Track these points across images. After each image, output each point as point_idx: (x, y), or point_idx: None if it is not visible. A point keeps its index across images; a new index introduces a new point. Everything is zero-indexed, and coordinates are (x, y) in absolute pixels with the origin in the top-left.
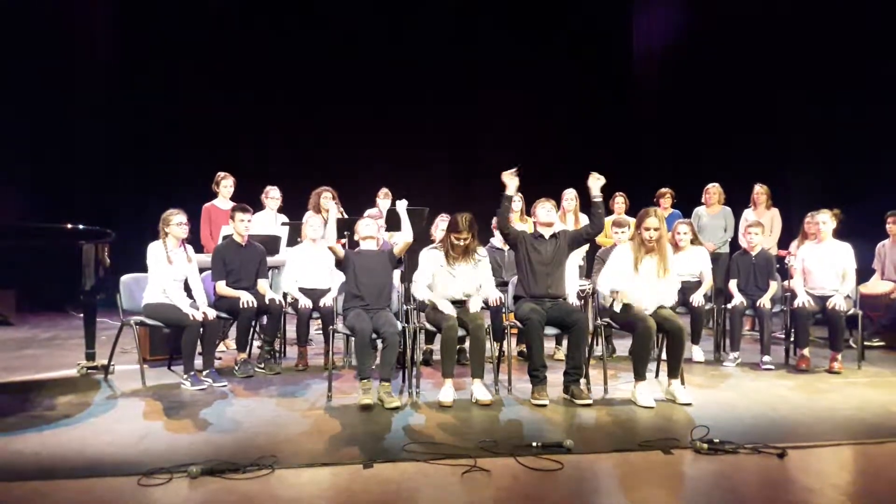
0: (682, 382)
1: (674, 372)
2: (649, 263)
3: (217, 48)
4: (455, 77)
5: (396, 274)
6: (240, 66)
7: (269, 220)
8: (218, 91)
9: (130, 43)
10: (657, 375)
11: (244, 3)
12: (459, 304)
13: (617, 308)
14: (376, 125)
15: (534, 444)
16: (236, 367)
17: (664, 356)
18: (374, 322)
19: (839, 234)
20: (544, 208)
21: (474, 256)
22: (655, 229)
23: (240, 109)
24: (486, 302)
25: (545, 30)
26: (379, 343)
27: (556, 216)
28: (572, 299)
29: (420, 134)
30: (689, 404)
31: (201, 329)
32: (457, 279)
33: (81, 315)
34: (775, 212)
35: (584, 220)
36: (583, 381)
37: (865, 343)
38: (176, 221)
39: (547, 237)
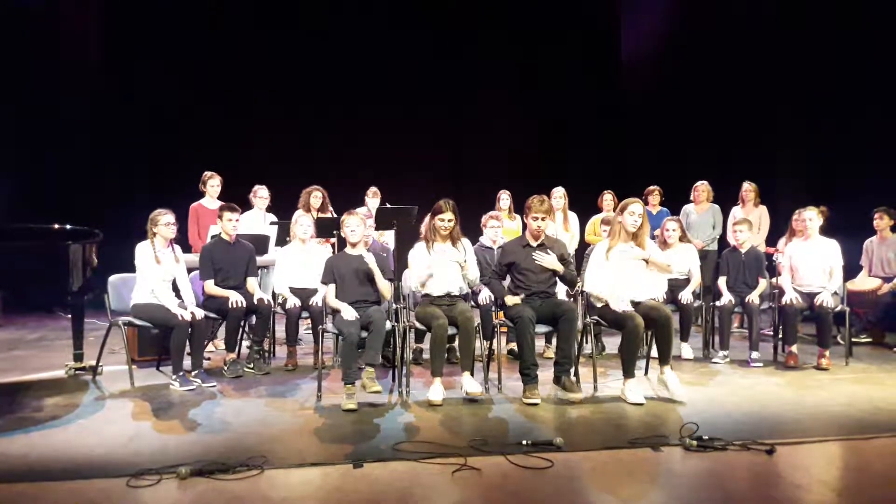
0: (672, 369)
1: (665, 358)
2: (628, 253)
3: (205, 47)
4: (445, 78)
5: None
6: (228, 64)
7: (257, 219)
8: (206, 89)
9: (117, 42)
10: (646, 373)
11: (234, 4)
12: (450, 301)
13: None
14: (366, 124)
15: (524, 442)
16: (225, 368)
17: (654, 353)
18: (363, 318)
19: (826, 230)
20: (536, 220)
21: (460, 244)
22: (640, 215)
23: (228, 108)
24: (475, 300)
25: (535, 32)
26: (364, 334)
27: (547, 223)
28: (562, 296)
29: (410, 133)
30: (682, 403)
31: (190, 329)
32: (444, 264)
33: (69, 316)
34: (763, 209)
35: (572, 217)
36: (573, 376)
37: (853, 339)
38: (164, 221)
39: (534, 245)
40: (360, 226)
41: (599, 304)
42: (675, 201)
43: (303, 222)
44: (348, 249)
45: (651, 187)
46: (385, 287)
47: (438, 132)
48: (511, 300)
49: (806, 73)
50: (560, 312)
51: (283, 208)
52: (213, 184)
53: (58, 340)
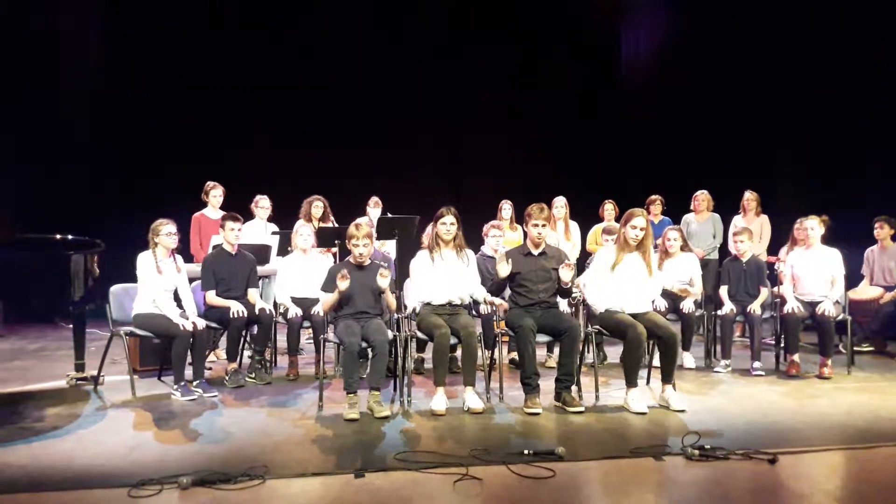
0: (674, 388)
1: (668, 378)
2: (633, 264)
3: (205, 56)
4: (445, 87)
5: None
6: (228, 73)
7: (258, 229)
8: (206, 99)
9: (117, 51)
10: (648, 382)
11: (232, 11)
12: (452, 310)
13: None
14: (367, 133)
15: (526, 451)
16: (227, 377)
17: (656, 363)
18: (364, 331)
19: (827, 239)
20: (536, 227)
21: (463, 252)
22: (641, 229)
23: (228, 117)
24: (476, 310)
25: (536, 42)
26: (369, 351)
27: (547, 230)
28: (563, 306)
29: (411, 143)
30: (682, 410)
31: (191, 339)
32: (447, 272)
33: (71, 326)
34: (765, 218)
35: (573, 227)
36: (574, 388)
37: (855, 348)
38: (165, 231)
39: (536, 254)
40: (367, 244)
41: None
42: (675, 210)
43: (303, 232)
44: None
45: (652, 197)
46: (392, 301)
47: (440, 141)
48: (502, 269)
49: (806, 83)
50: (562, 328)
51: (284, 218)
52: (215, 194)
53: (59, 350)
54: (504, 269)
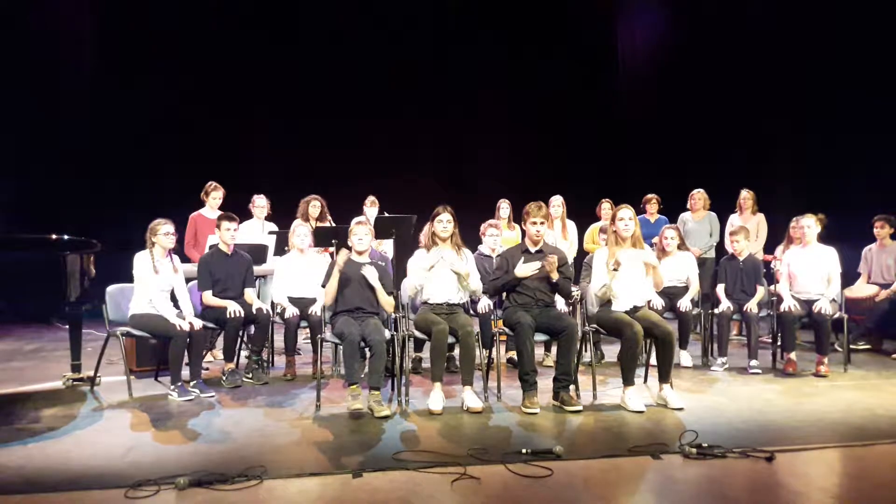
0: (671, 387)
1: (665, 377)
2: (628, 259)
3: (202, 56)
4: (443, 87)
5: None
6: (227, 74)
7: (255, 228)
8: (206, 99)
9: (115, 52)
10: (646, 381)
11: (230, 11)
12: (450, 309)
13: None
14: (364, 133)
15: (523, 450)
16: (224, 378)
17: (653, 361)
18: (362, 329)
19: (824, 238)
20: (534, 225)
21: (461, 251)
22: (630, 218)
23: (228, 117)
24: (474, 309)
25: (534, 41)
26: (367, 351)
27: (545, 228)
28: (561, 305)
29: (410, 143)
30: (681, 409)
31: (188, 339)
32: (445, 272)
33: (67, 326)
34: (761, 217)
35: (570, 226)
36: (572, 387)
37: (851, 346)
38: (163, 231)
39: (533, 252)
40: (367, 235)
41: (609, 299)
42: (672, 209)
43: (300, 232)
44: (354, 256)
45: (648, 195)
46: (387, 302)
47: (437, 141)
48: (522, 270)
49: (804, 79)
50: (560, 328)
51: (282, 217)
52: (215, 196)
53: (55, 351)
54: (523, 269)
